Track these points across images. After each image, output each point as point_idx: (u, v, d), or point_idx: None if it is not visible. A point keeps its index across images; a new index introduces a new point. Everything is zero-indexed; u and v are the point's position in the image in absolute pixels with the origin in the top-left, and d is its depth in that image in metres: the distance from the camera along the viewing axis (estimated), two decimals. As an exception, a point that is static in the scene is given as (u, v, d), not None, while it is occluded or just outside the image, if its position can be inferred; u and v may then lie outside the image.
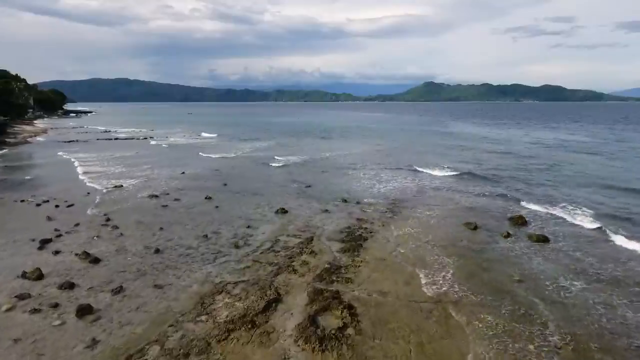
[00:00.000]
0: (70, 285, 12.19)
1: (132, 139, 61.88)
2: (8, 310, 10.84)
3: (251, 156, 42.12)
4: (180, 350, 9.08)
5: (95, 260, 14.15)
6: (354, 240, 16.19)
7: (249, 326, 9.95)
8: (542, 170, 31.77)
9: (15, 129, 72.20)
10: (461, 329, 10.03)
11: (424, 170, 31.57)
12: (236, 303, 11.16)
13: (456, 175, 29.81)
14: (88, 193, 24.63)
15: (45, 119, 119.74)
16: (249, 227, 18.06)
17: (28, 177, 30.05)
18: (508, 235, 16.62)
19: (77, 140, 57.54)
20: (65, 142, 55.76)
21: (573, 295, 11.70)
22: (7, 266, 13.65)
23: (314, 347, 9.12)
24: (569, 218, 18.87)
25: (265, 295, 11.52)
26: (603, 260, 14.13)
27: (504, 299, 11.50)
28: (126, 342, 9.40)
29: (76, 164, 35.86)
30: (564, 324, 10.19)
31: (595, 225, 17.67)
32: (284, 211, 20.33)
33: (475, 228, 17.58)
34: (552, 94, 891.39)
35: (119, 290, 11.88)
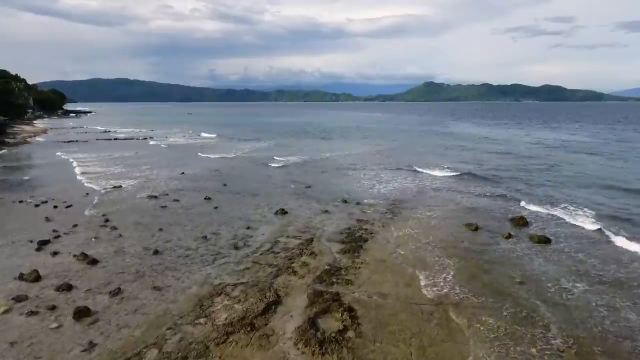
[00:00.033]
0: (68, 287, 12.08)
1: (132, 139, 61.77)
2: (5, 312, 10.72)
3: (251, 156, 42.02)
4: (178, 353, 8.96)
5: (94, 262, 14.03)
6: (354, 241, 16.08)
7: (248, 329, 9.84)
8: (543, 170, 31.67)
9: (15, 129, 72.10)
10: (462, 331, 9.91)
11: (424, 171, 31.46)
12: (235, 305, 11.05)
13: (457, 175, 29.71)
14: (87, 194, 24.53)
15: (45, 119, 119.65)
16: (248, 228, 17.96)
17: (27, 178, 29.94)
18: (509, 236, 16.51)
19: (76, 141, 57.43)
20: (64, 142, 55.66)
21: (575, 297, 11.59)
22: (5, 268, 13.54)
23: (314, 351, 9.01)
24: (570, 219, 18.76)
25: (265, 297, 11.41)
26: (605, 261, 14.02)
27: (505, 301, 11.39)
28: (123, 345, 9.29)
29: (75, 164, 35.75)
30: (567, 326, 10.08)
31: (597, 226, 17.56)
32: (283, 212, 20.22)
33: (476, 229, 17.47)
34: (552, 94, 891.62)
35: (117, 292, 11.77)
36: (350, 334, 9.70)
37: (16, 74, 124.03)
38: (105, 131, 76.65)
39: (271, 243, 16.01)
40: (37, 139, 61.19)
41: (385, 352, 9.05)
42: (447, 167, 32.64)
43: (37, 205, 21.68)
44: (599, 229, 17.21)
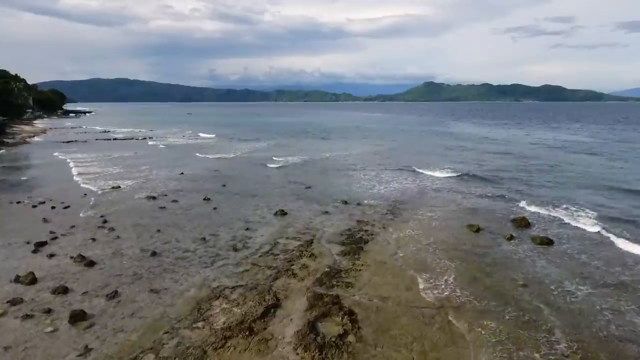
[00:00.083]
0: (64, 290, 11.90)
1: (131, 139, 61.59)
2: (0, 316, 10.56)
3: (250, 157, 41.84)
4: (175, 358, 8.79)
5: (91, 264, 13.86)
6: (355, 242, 15.91)
7: (247, 333, 9.66)
8: (544, 171, 31.50)
9: (14, 129, 71.93)
10: (464, 336, 9.74)
11: (425, 171, 31.27)
12: (234, 309, 10.88)
13: (457, 176, 29.53)
14: (85, 194, 24.35)
15: (44, 119, 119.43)
16: (247, 229, 17.78)
17: (25, 178, 29.76)
18: (511, 237, 16.33)
19: (75, 141, 57.25)
20: (63, 142, 55.47)
21: (579, 300, 11.41)
22: (1, 270, 13.36)
23: (314, 356, 8.84)
24: (572, 220, 18.59)
25: (264, 300, 11.24)
26: (609, 264, 13.84)
27: (508, 304, 11.22)
28: (120, 350, 9.12)
29: (74, 164, 35.54)
30: (571, 330, 9.91)
31: (599, 227, 17.39)
32: (283, 213, 20.05)
33: (478, 230, 17.29)
34: (552, 94, 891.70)
35: (113, 295, 11.60)
36: (350, 338, 9.52)
37: (16, 74, 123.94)
38: (105, 131, 76.46)
39: (270, 245, 15.83)
40: (37, 139, 61.01)
41: (387, 357, 8.88)
42: (448, 168, 32.46)
43: (34, 206, 21.51)
44: (602, 231, 17.03)
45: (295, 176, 30.28)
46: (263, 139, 62.03)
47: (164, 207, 21.50)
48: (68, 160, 37.85)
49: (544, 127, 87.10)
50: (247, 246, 15.71)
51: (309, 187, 26.27)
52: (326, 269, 13.34)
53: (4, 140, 55.14)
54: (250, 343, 9.31)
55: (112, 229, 17.67)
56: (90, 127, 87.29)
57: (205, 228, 17.95)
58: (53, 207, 21.15)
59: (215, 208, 21.25)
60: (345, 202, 22.15)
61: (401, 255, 14.73)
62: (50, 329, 9.97)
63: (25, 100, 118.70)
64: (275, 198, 23.43)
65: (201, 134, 70.81)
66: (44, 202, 22.19)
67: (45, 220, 18.91)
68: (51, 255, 14.64)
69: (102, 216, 19.61)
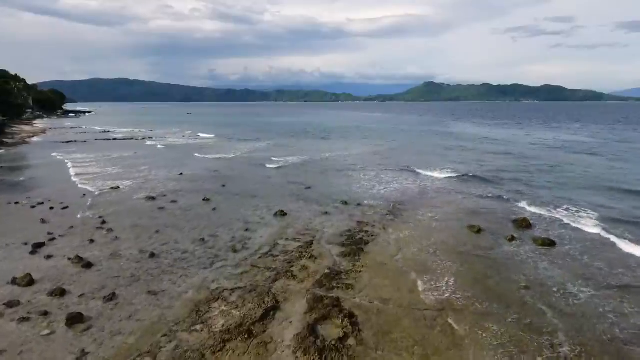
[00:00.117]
0: (62, 292, 11.78)
1: (131, 139, 61.45)
2: (-4, 318, 10.44)
3: (250, 157, 41.71)
4: (173, 362, 8.67)
5: (88, 265, 13.73)
6: (355, 244, 15.78)
7: (246, 336, 9.54)
8: (545, 171, 31.37)
9: (14, 129, 71.81)
10: (466, 339, 9.61)
11: (425, 172, 31.14)
12: (233, 311, 10.75)
13: (458, 176, 29.39)
14: (84, 195, 24.23)
15: (44, 119, 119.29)
16: (247, 230, 17.66)
17: (24, 179, 29.64)
18: (513, 238, 16.21)
19: (75, 141, 57.11)
20: (63, 142, 55.32)
21: (582, 302, 11.29)
22: (-3, 271, 13.24)
23: (314, 359, 8.72)
24: (573, 221, 18.47)
25: (263, 302, 11.11)
26: (611, 265, 13.71)
27: (509, 306, 11.09)
28: (117, 353, 8.99)
29: (73, 165, 35.41)
30: (574, 333, 9.78)
31: (601, 228, 17.26)
32: (283, 214, 19.92)
33: (479, 231, 17.17)
34: (552, 94, 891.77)
35: (111, 298, 11.47)
36: (351, 341, 9.40)
37: (16, 74, 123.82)
38: (105, 131, 76.32)
39: (270, 246, 15.71)
40: (36, 139, 60.86)
41: (387, 361, 8.76)
42: (448, 168, 32.33)
43: (33, 207, 21.38)
44: (603, 232, 16.91)
45: (295, 176, 30.15)
46: (263, 139, 61.89)
47: (163, 207, 21.38)
48: (67, 161, 37.71)
49: (544, 127, 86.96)
50: (246, 247, 15.59)
51: (309, 188, 26.14)
52: (326, 271, 13.21)
53: (3, 140, 55.00)
54: (249, 346, 9.19)
55: (110, 230, 17.55)
56: (90, 127, 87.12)
57: (204, 229, 17.83)
58: (51, 208, 21.03)
59: (214, 209, 21.13)
60: (346, 203, 22.02)
61: (402, 256, 14.61)
62: (46, 332, 9.85)
63: (25, 100, 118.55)
64: (275, 198, 23.30)
65: (201, 134, 70.66)
66: (42, 203, 22.07)
67: (43, 221, 18.78)
68: (49, 257, 14.52)
69: (100, 217, 19.49)
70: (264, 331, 9.81)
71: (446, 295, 11.70)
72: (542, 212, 19.93)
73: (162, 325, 10.09)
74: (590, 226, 17.66)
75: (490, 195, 23.82)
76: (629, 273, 13.11)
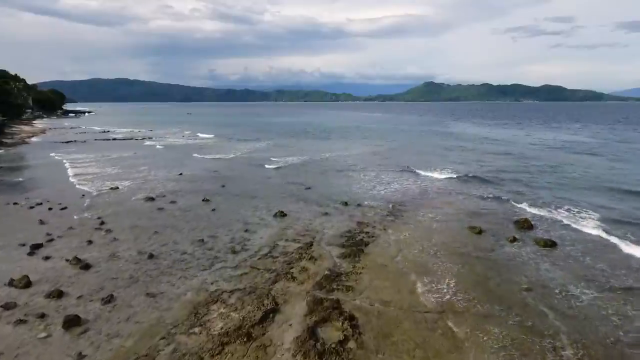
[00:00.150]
0: (59, 294, 11.67)
1: (131, 139, 61.35)
2: (-8, 321, 10.33)
3: (250, 157, 41.60)
4: (171, 365, 8.57)
5: (86, 267, 13.62)
6: (355, 245, 15.67)
7: (245, 339, 9.43)
8: (545, 172, 31.26)
9: (13, 129, 71.71)
10: (467, 341, 9.51)
11: (425, 172, 31.03)
12: (232, 313, 10.64)
13: (458, 177, 29.27)
14: (83, 195, 24.12)
15: (44, 119, 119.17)
16: (246, 231, 17.55)
17: (23, 179, 29.52)
18: (514, 239, 16.09)
19: (75, 141, 57.00)
20: (63, 142, 55.21)
21: (585, 304, 11.18)
22: (-5, 273, 13.13)
23: (313, 363, 8.61)
24: (575, 222, 18.36)
25: (263, 304, 11.00)
26: (613, 267, 13.60)
27: (511, 308, 10.98)
28: (114, 356, 8.88)
29: (72, 165, 35.30)
30: (577, 336, 9.67)
31: (603, 229, 17.15)
32: (282, 214, 19.81)
33: (480, 232, 17.06)
34: (552, 94, 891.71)
35: (109, 300, 11.36)
36: (351, 344, 9.29)
37: (16, 74, 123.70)
38: (104, 131, 76.21)
39: (270, 247, 15.60)
40: (36, 139, 60.75)
41: (388, 365, 8.65)
42: (448, 169, 32.22)
43: (31, 207, 21.28)
44: (605, 233, 16.80)
45: (294, 177, 30.05)
46: (263, 139, 61.78)
47: (162, 208, 21.27)
48: (66, 161, 37.58)
49: (544, 127, 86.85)
50: (245, 248, 15.48)
51: (309, 188, 26.04)
52: (326, 272, 13.11)
53: (3, 140, 54.90)
54: (248, 349, 9.08)
55: (109, 231, 17.45)
56: (90, 128, 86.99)
57: (203, 230, 17.72)
58: (50, 209, 20.92)
59: (214, 209, 21.02)
60: (346, 204, 21.91)
61: (402, 257, 14.50)
62: (43, 334, 9.74)
63: (24, 100, 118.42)
64: (275, 199, 23.20)
65: (200, 134, 70.55)
66: (41, 204, 21.96)
67: (41, 221, 18.67)
68: (47, 258, 14.41)
69: (99, 218, 19.39)
70: (263, 334, 9.70)
71: (447, 297, 11.59)
72: (543, 213, 19.82)
73: (160, 328, 9.99)
74: (591, 227, 17.56)
75: (490, 195, 23.71)
76: (631, 275, 13.00)
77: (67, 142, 55.84)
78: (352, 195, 24.05)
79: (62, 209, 20.98)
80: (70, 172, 31.93)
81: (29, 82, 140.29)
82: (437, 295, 11.70)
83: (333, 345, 9.18)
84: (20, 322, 10.24)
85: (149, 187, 26.34)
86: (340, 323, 10.06)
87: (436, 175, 30.06)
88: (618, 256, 14.63)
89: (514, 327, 10.07)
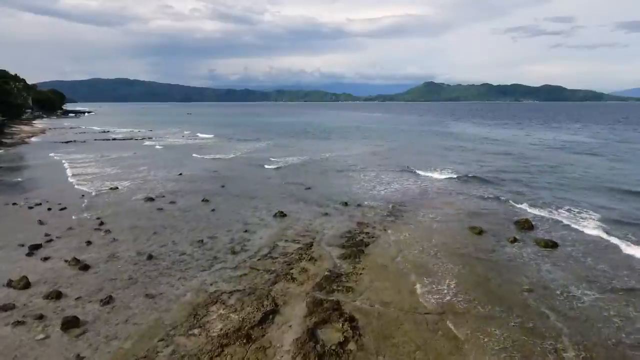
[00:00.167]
0: (58, 295, 11.60)
1: (130, 139, 61.30)
2: (-10, 322, 10.27)
3: (250, 157, 41.54)
4: (170, 367, 8.50)
5: (85, 267, 13.56)
6: (355, 245, 15.61)
7: (244, 341, 9.36)
8: (546, 172, 31.20)
9: (13, 129, 71.66)
10: (468, 343, 9.44)
11: (425, 172, 30.97)
12: (231, 315, 10.58)
13: (458, 177, 29.22)
14: (82, 195, 24.06)
15: (44, 119, 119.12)
16: (246, 231, 17.49)
17: (22, 179, 29.47)
18: (515, 240, 16.04)
19: (74, 141, 56.95)
20: (62, 142, 55.15)
21: (586, 305, 11.12)
22: (-7, 274, 13.07)
23: (313, 365, 8.55)
24: (575, 222, 18.30)
25: (262, 306, 10.94)
26: (615, 267, 13.54)
27: (512, 309, 10.92)
28: (113, 358, 8.81)
29: (71, 165, 35.24)
30: (579, 338, 9.61)
31: (603, 230, 17.10)
32: (282, 215, 19.75)
33: (481, 232, 17.00)
34: (552, 94, 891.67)
35: (108, 301, 11.29)
36: (351, 346, 9.23)
37: (15, 74, 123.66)
38: (104, 131, 76.16)
39: (269, 247, 15.54)
40: (35, 139, 60.69)
41: (389, 366, 8.59)
42: (448, 169, 32.16)
43: (30, 208, 21.22)
44: (606, 233, 16.74)
45: (294, 177, 29.99)
46: (263, 139, 61.72)
47: (162, 208, 21.21)
48: (66, 161, 37.52)
49: (544, 127, 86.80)
50: (245, 249, 15.42)
51: (309, 188, 25.98)
52: (326, 273, 13.04)
53: (2, 140, 54.84)
54: (247, 351, 9.02)
55: (108, 231, 17.38)
56: (90, 128, 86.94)
57: (203, 230, 17.66)
58: (49, 209, 20.86)
59: (213, 210, 20.96)
60: (346, 204, 21.85)
61: (402, 258, 14.44)
62: (41, 336, 9.68)
63: (24, 100, 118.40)
64: (275, 199, 23.14)
65: (200, 134, 70.50)
66: (40, 204, 21.90)
67: (40, 222, 18.61)
68: (46, 259, 14.35)
69: (98, 218, 19.33)
70: (263, 335, 9.63)
71: (447, 298, 11.53)
72: (544, 214, 19.76)
73: (159, 330, 9.92)
74: (592, 227, 17.50)
75: (491, 196, 23.66)
76: (633, 275, 12.94)
77: (67, 142, 55.78)
78: (352, 195, 23.99)
79: (62, 209, 20.92)
80: (69, 172, 31.88)
81: (29, 82, 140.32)
82: (437, 296, 11.64)
83: (333, 347, 9.12)
84: (19, 323, 10.17)
85: (149, 188, 26.28)
86: (340, 324, 10.00)
87: (436, 175, 30.01)
88: (619, 257, 14.57)
89: (515, 329, 10.01)
